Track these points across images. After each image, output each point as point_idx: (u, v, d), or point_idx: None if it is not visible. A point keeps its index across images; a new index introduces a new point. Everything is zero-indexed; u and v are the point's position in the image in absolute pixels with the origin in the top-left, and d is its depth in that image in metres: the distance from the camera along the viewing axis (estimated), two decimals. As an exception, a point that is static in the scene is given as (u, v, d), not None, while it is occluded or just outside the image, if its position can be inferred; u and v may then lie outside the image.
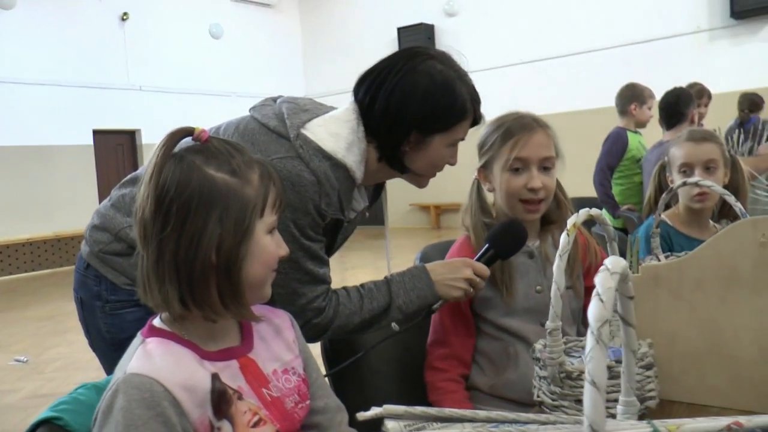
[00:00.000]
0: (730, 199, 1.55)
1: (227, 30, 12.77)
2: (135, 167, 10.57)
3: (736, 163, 2.22)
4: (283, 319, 1.16)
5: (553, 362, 1.11)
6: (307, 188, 1.36)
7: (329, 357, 1.55)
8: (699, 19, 9.76)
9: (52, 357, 5.09)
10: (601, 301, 0.59)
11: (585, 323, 1.60)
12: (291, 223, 1.35)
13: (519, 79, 11.17)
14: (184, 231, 0.94)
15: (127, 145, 11.63)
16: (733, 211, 2.04)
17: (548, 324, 1.07)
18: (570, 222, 1.05)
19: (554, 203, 1.64)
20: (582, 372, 1.09)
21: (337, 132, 1.42)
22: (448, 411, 0.80)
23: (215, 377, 0.97)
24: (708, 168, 2.10)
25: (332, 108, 1.52)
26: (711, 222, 2.17)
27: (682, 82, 4.67)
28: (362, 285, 1.50)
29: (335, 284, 1.49)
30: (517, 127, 1.55)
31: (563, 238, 1.03)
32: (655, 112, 4.36)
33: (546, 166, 1.54)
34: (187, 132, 1.01)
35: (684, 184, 1.65)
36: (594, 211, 1.09)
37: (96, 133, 11.01)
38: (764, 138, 4.05)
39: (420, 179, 1.54)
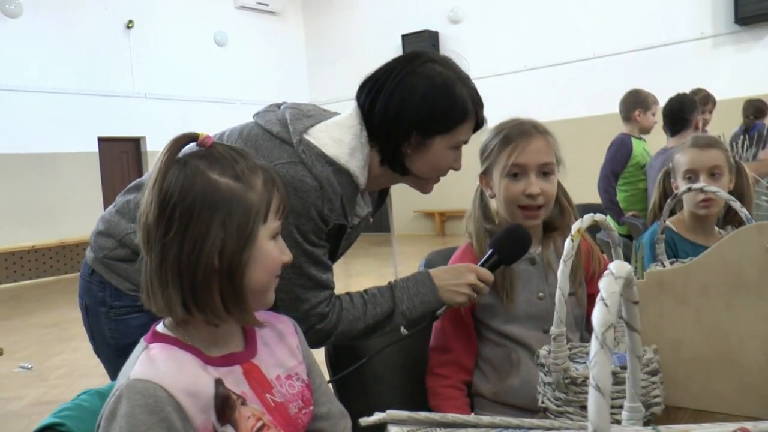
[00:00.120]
0: (736, 204, 1.54)
1: (232, 37, 12.82)
2: (140, 174, 10.58)
3: (740, 169, 2.21)
4: (286, 324, 1.16)
5: (557, 368, 1.10)
6: (310, 194, 1.36)
7: (333, 363, 1.55)
8: (703, 25, 9.75)
9: (56, 364, 5.09)
10: (606, 305, 0.58)
11: (589, 330, 1.60)
12: (294, 228, 1.35)
13: (523, 86, 11.17)
14: (187, 235, 0.95)
15: (132, 152, 11.66)
16: (738, 218, 2.04)
17: (553, 329, 1.07)
18: (574, 227, 1.04)
19: (557, 210, 1.63)
20: (587, 378, 1.08)
21: (339, 137, 1.42)
22: (451, 416, 0.79)
23: (219, 382, 0.97)
24: (713, 174, 2.10)
25: (336, 114, 1.53)
26: (716, 228, 2.17)
27: (686, 89, 4.66)
28: (366, 290, 1.50)
29: (339, 291, 1.49)
30: (516, 133, 1.55)
31: (567, 243, 1.03)
32: (659, 118, 4.36)
33: (545, 171, 1.54)
34: (192, 138, 1.01)
35: (689, 189, 1.65)
36: (598, 216, 1.09)
37: (101, 140, 11.04)
38: (768, 144, 4.05)
39: (423, 184, 1.53)
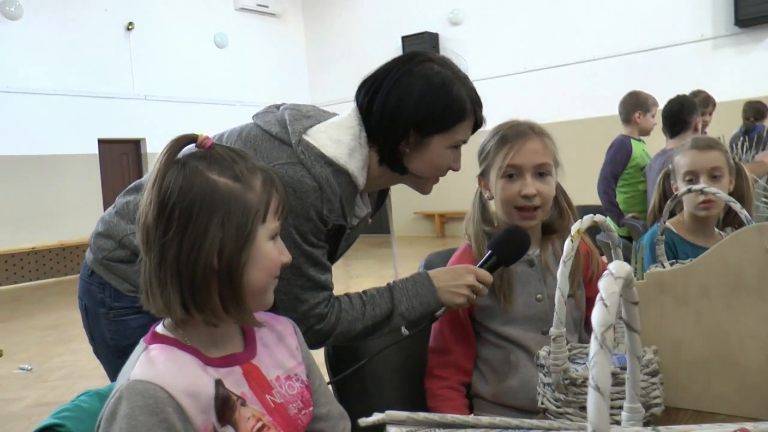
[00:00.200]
0: (736, 206, 1.54)
1: (232, 39, 12.82)
2: (140, 176, 10.52)
3: (740, 171, 2.21)
4: (286, 326, 1.16)
5: (557, 369, 1.10)
6: (309, 194, 1.36)
7: (332, 364, 1.55)
8: (703, 27, 9.75)
9: (56, 365, 5.08)
10: (605, 305, 0.58)
11: (589, 332, 1.60)
12: (293, 229, 1.35)
13: (523, 88, 11.17)
14: (186, 235, 0.95)
15: (132, 154, 11.66)
16: (737, 219, 2.04)
17: (552, 330, 1.07)
18: (574, 228, 1.04)
19: (556, 212, 1.63)
20: (586, 378, 1.08)
21: (339, 138, 1.42)
22: (450, 417, 0.79)
23: (219, 383, 0.97)
24: (713, 176, 2.10)
25: (335, 114, 1.53)
26: (716, 230, 2.17)
27: (686, 90, 4.66)
28: (365, 292, 1.50)
29: (339, 292, 1.48)
30: (512, 134, 1.55)
31: (567, 244, 1.03)
32: (658, 120, 4.36)
33: (541, 172, 1.54)
34: (191, 139, 1.01)
35: (689, 191, 1.65)
36: (598, 217, 1.09)
37: (101, 142, 11.03)
38: (768, 146, 4.05)
39: (422, 184, 1.53)
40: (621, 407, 0.93)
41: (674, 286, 1.23)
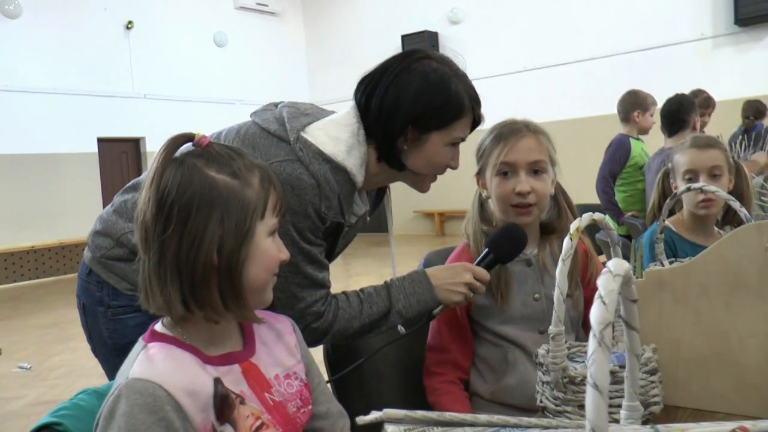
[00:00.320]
0: (735, 204, 1.54)
1: (232, 38, 12.81)
2: (139, 175, 10.48)
3: (740, 170, 2.21)
4: (284, 324, 1.16)
5: (556, 367, 1.10)
6: (307, 191, 1.35)
7: (331, 362, 1.55)
8: (703, 26, 9.75)
9: (55, 364, 5.08)
10: (604, 303, 0.58)
11: (587, 331, 1.60)
12: (291, 226, 1.35)
13: (523, 87, 11.17)
14: (186, 232, 0.95)
15: (132, 152, 11.65)
16: (737, 218, 2.04)
17: (551, 328, 1.06)
18: (573, 226, 1.04)
19: (555, 211, 1.63)
20: (585, 377, 1.08)
21: (337, 135, 1.42)
22: (448, 415, 0.79)
23: (218, 381, 0.97)
24: (713, 174, 2.10)
25: (333, 112, 1.53)
26: (715, 228, 2.16)
27: (686, 90, 4.66)
28: (362, 290, 1.49)
29: (338, 291, 1.48)
30: (507, 132, 1.55)
31: (566, 242, 1.03)
32: (656, 119, 4.36)
33: (536, 170, 1.54)
34: (188, 138, 1.01)
35: (689, 189, 1.65)
36: (597, 215, 1.09)
37: (100, 140, 11.03)
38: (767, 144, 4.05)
39: (420, 181, 1.53)
40: (620, 406, 0.93)
41: (673, 285, 1.23)
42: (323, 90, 13.37)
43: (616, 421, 0.93)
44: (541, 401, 1.15)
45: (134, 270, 1.15)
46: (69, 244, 10.12)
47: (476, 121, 1.49)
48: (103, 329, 1.47)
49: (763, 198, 2.69)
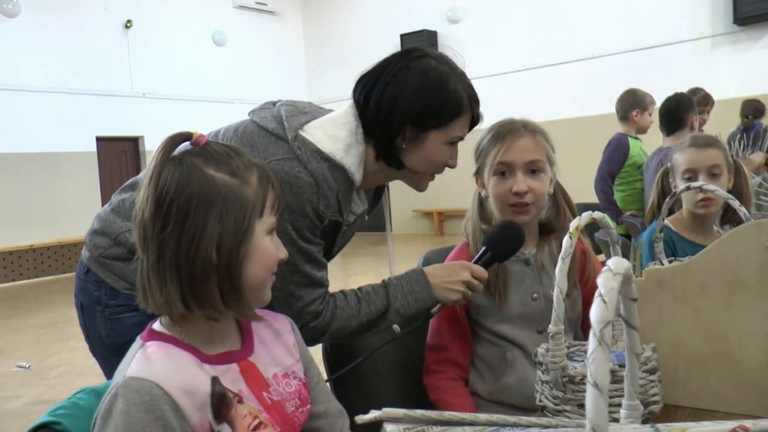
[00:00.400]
0: (735, 203, 1.54)
1: (230, 37, 12.80)
2: (138, 174, 10.54)
3: (739, 169, 2.21)
4: (283, 323, 1.16)
5: (555, 366, 1.10)
6: (305, 190, 1.35)
7: (330, 361, 1.54)
8: (702, 25, 9.75)
9: (54, 363, 5.08)
10: (604, 302, 0.58)
11: (586, 330, 1.59)
12: (289, 225, 1.35)
13: (522, 86, 11.17)
14: (185, 230, 0.94)
15: (131, 151, 11.64)
16: (736, 217, 2.04)
17: (551, 327, 1.06)
18: (572, 225, 1.04)
19: (554, 211, 1.63)
20: (585, 376, 1.08)
21: (335, 134, 1.41)
22: (447, 414, 0.79)
23: (215, 380, 0.97)
24: (712, 174, 2.10)
25: (331, 111, 1.52)
26: (715, 227, 2.16)
27: (685, 89, 4.66)
28: (360, 288, 1.49)
29: (336, 290, 1.48)
30: (504, 132, 1.55)
31: (566, 241, 1.02)
32: (655, 118, 4.35)
33: (533, 169, 1.54)
34: (186, 137, 1.01)
35: (688, 188, 1.65)
36: (597, 214, 1.08)
37: (99, 139, 11.02)
38: (766, 144, 4.05)
39: (418, 180, 1.53)
40: (619, 405, 0.93)
41: (673, 284, 1.23)
42: (322, 89, 13.36)
43: (616, 420, 0.93)
44: (540, 400, 1.15)
45: (132, 269, 1.15)
46: (68, 243, 10.11)
47: (475, 120, 1.49)
48: (101, 328, 1.47)
49: (762, 197, 2.69)
